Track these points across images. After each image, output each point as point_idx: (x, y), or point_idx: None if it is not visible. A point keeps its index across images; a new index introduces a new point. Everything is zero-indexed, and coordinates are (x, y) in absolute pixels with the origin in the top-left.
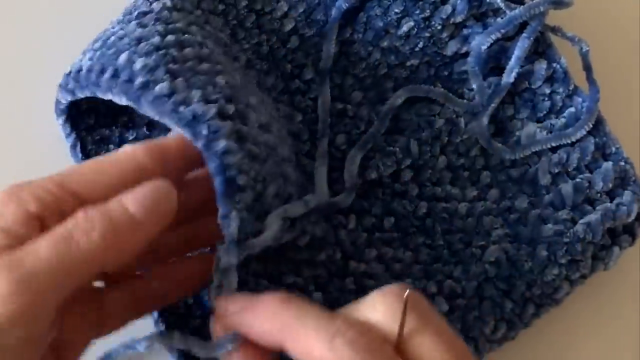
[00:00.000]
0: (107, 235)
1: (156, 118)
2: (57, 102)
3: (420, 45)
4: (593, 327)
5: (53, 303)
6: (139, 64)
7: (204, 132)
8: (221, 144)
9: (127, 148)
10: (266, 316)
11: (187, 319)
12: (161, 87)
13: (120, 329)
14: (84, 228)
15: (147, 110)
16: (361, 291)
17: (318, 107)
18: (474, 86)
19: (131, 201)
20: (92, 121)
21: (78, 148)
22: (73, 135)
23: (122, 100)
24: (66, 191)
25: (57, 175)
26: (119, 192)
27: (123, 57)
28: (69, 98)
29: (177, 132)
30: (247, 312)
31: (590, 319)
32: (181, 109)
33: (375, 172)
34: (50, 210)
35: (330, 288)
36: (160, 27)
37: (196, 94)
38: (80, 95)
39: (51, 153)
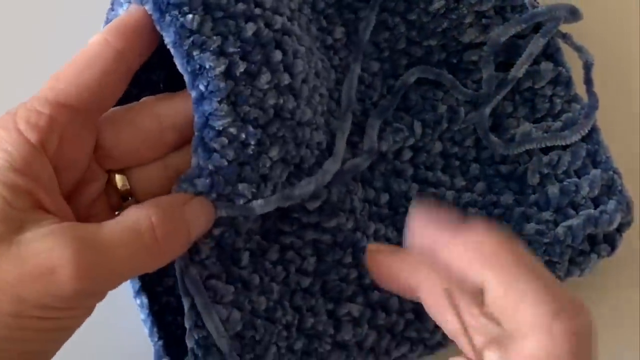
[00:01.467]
0: (175, 253)
1: (167, 43)
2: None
3: (444, 26)
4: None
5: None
6: None
7: (202, 87)
8: (212, 104)
9: (97, 39)
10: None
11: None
12: (191, 19)
13: None
14: (160, 244)
15: (166, 32)
16: (355, 267)
17: (349, 74)
18: (485, 75)
19: (192, 221)
20: None
21: None
22: None
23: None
24: (57, 107)
25: (45, 90)
26: (108, 87)
27: None
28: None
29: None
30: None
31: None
32: (195, 52)
33: (386, 145)
34: (48, 132)
35: (327, 257)
36: None
37: (215, 42)
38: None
39: None
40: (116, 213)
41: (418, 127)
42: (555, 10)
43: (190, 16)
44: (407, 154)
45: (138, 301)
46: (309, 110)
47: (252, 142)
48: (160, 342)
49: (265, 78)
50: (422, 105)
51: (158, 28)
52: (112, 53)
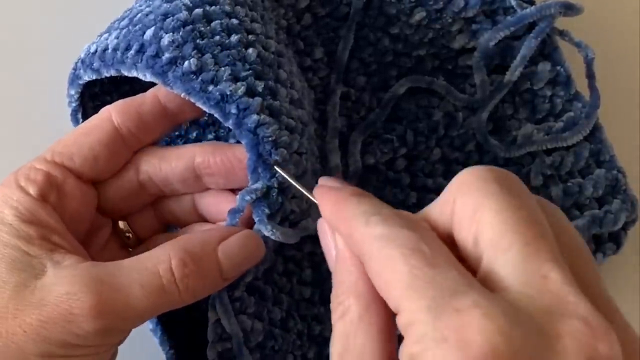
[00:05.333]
0: (197, 294)
1: (182, 95)
2: (77, 77)
3: (430, 36)
4: None
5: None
6: (166, 39)
7: (234, 110)
8: (253, 117)
9: (103, 111)
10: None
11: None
12: (189, 64)
13: None
14: (178, 286)
15: (174, 87)
16: None
17: (330, 99)
18: (477, 81)
19: (225, 262)
20: (97, 89)
21: (79, 114)
22: (77, 103)
23: (146, 77)
24: (53, 165)
25: (45, 151)
26: (99, 155)
27: (149, 33)
28: (94, 76)
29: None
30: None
31: None
32: (210, 88)
33: (373, 158)
34: (45, 189)
35: (322, 268)
36: (186, 0)
37: (225, 71)
38: (106, 74)
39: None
40: (130, 250)
41: (410, 136)
42: (546, 8)
43: (187, 63)
44: (402, 163)
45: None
46: (312, 123)
47: (303, 151)
48: (172, 351)
49: (283, 92)
50: (415, 114)
51: (168, 88)
52: (110, 127)
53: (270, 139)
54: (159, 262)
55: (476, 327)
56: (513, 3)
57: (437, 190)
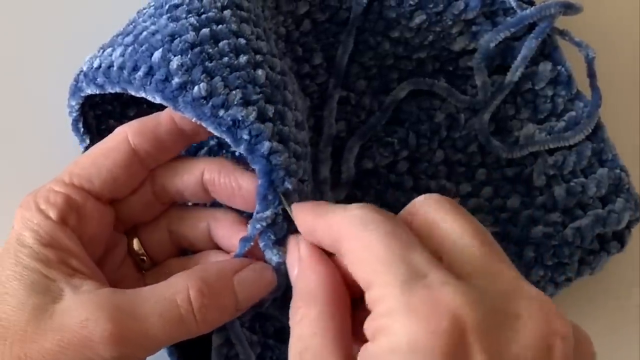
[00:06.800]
0: (213, 324)
1: (193, 119)
2: (79, 89)
3: (430, 39)
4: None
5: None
6: (175, 62)
7: (245, 136)
8: (265, 145)
9: (119, 132)
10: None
11: None
12: (199, 89)
13: None
14: (195, 316)
15: (185, 112)
16: None
17: (325, 106)
18: (478, 82)
19: (241, 293)
20: (98, 99)
21: (80, 123)
22: (78, 112)
23: (155, 99)
24: (72, 188)
25: (63, 173)
26: (118, 176)
27: (157, 55)
28: (97, 91)
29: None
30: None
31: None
32: (221, 113)
33: (372, 162)
34: (65, 212)
35: None
36: (193, 20)
37: (236, 95)
38: (110, 90)
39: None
40: (143, 272)
41: (412, 139)
42: (546, 9)
43: (196, 88)
44: (404, 166)
45: None
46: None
47: (306, 178)
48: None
49: (290, 115)
50: (417, 116)
51: (179, 112)
52: (127, 149)
53: (282, 166)
54: (177, 291)
55: (445, 301)
56: (513, 4)
57: (440, 192)
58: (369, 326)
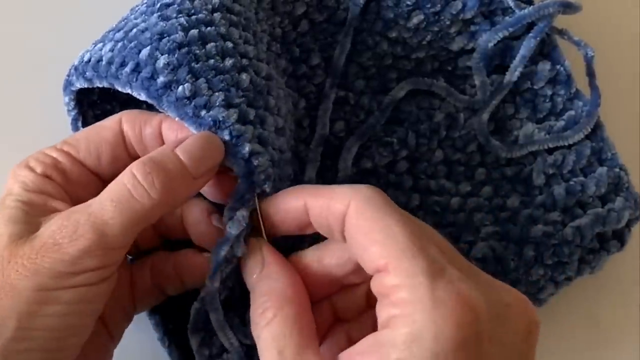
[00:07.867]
0: (164, 191)
1: (176, 118)
2: (69, 83)
3: (428, 38)
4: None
5: (119, 256)
6: (161, 61)
7: (226, 137)
8: (246, 147)
9: (116, 115)
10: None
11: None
12: (183, 89)
13: (144, 310)
14: (143, 186)
15: (169, 110)
16: None
17: (323, 104)
18: (477, 82)
19: (186, 157)
20: (95, 97)
21: (79, 123)
22: (76, 110)
23: (141, 96)
24: (61, 152)
25: (58, 142)
26: (102, 152)
27: (145, 52)
28: (85, 85)
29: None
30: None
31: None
32: (202, 113)
33: (371, 162)
34: (51, 169)
35: None
36: (182, 20)
37: (219, 97)
38: (99, 84)
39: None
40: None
41: (412, 138)
42: (544, 8)
43: (181, 88)
44: (403, 166)
45: (152, 321)
46: (289, 141)
47: (277, 185)
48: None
49: (270, 120)
50: (416, 116)
51: (163, 110)
52: (117, 130)
53: (262, 168)
54: (122, 175)
55: (466, 296)
56: (511, 3)
57: (440, 192)
58: (382, 312)
